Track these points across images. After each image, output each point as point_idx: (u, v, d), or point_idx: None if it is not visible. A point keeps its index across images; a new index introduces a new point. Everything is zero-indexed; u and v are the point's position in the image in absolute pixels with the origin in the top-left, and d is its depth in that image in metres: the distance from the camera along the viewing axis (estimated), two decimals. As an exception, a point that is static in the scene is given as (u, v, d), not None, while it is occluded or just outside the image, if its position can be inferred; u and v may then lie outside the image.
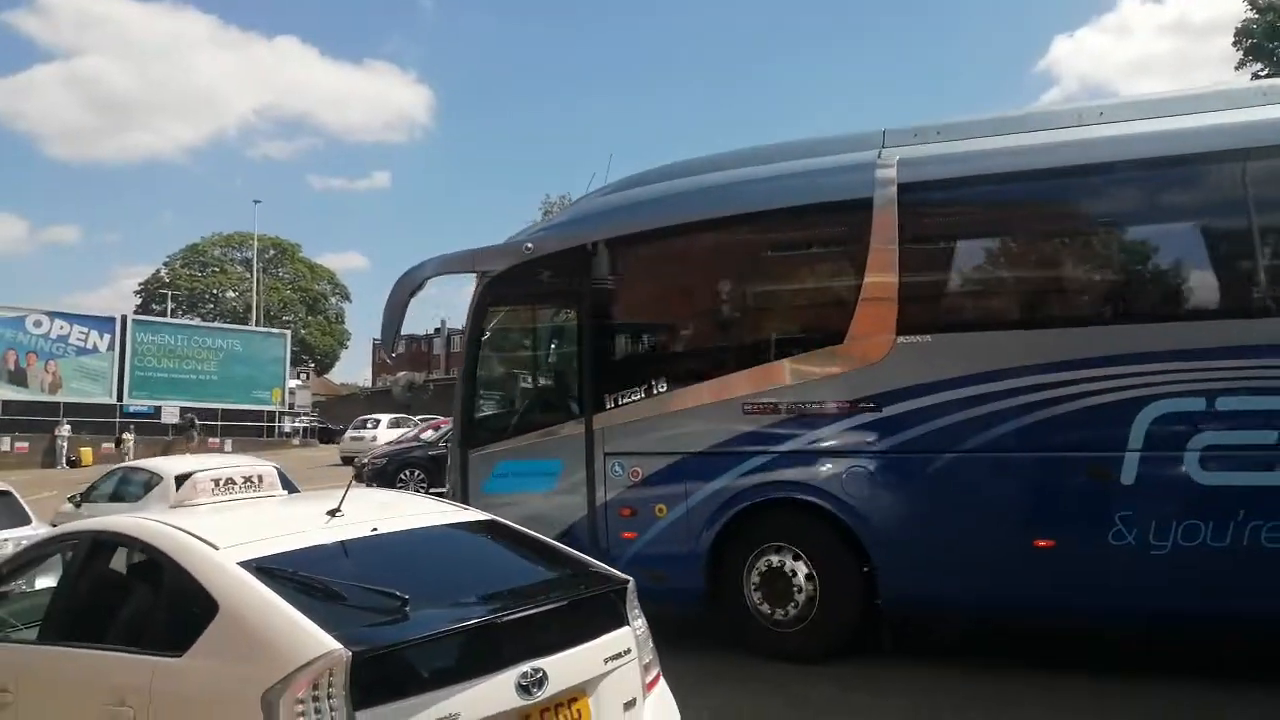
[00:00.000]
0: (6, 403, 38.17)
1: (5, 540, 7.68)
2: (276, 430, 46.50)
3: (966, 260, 7.27)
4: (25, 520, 8.20)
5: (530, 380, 9.02)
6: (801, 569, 6.87)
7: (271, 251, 65.54)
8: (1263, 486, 5.79)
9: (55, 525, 7.94)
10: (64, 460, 35.67)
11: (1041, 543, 6.15)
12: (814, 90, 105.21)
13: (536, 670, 3.21)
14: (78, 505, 8.98)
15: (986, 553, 6.34)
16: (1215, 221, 6.55)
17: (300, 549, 3.55)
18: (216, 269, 66.09)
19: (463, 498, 7.87)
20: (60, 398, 39.94)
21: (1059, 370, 6.22)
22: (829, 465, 6.89)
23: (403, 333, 9.24)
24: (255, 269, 59.47)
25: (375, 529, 3.81)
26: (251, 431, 44.39)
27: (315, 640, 2.91)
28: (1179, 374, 5.97)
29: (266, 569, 3.31)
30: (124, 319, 43.91)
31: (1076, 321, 6.54)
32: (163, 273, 65.82)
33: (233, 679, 3.01)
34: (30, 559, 4.64)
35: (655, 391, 7.46)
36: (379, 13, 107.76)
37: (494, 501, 7.25)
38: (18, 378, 39.72)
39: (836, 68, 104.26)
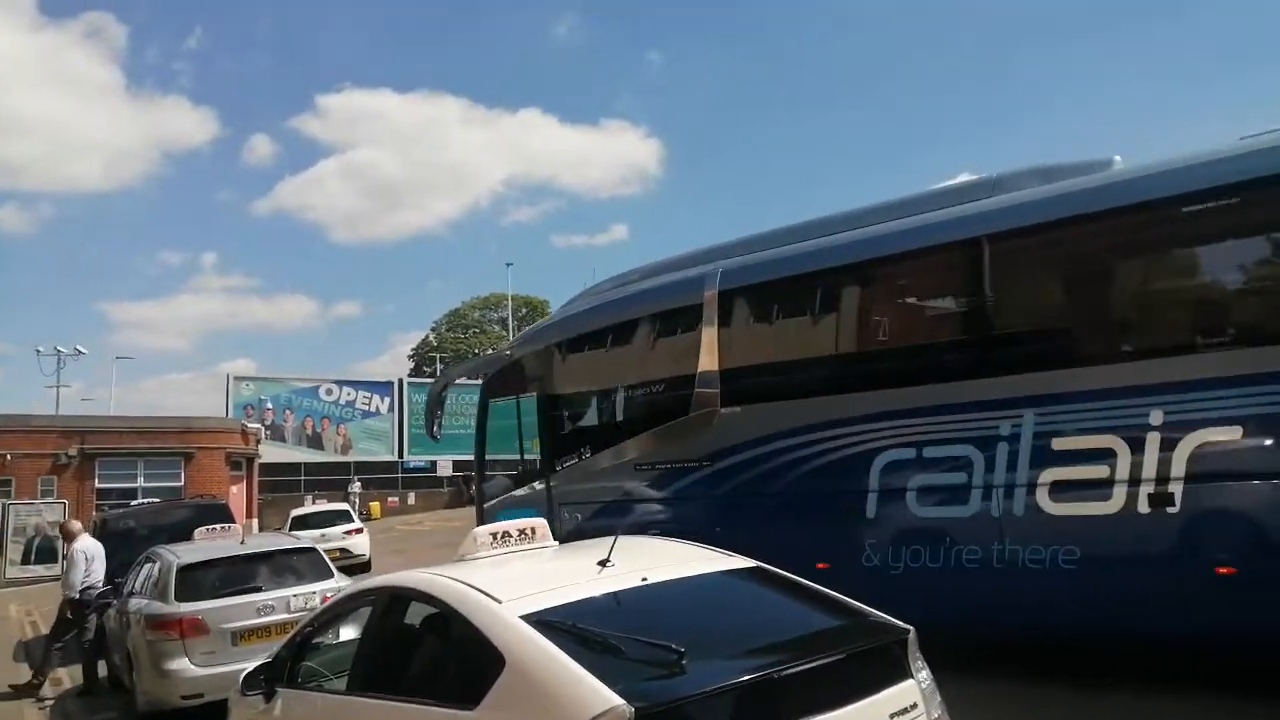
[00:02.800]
0: (306, 464, 42.56)
1: (313, 593, 8.40)
2: (538, 478, 48.81)
3: (763, 346, 9.13)
4: (329, 575, 8.93)
5: (516, 452, 11.58)
6: None
7: (524, 310, 69.19)
8: (959, 517, 7.18)
9: None
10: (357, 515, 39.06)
11: (820, 565, 6.73)
12: (1090, 82, 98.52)
13: (820, 727, 3.07)
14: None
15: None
16: (929, 306, 8.34)
17: (576, 601, 3.60)
18: (476, 330, 70.58)
19: None
20: (350, 457, 44.09)
21: (823, 429, 8.03)
22: (684, 508, 8.94)
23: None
24: (510, 327, 63.05)
25: (645, 579, 3.81)
26: (516, 481, 46.83)
27: (599, 696, 2.92)
28: (903, 429, 7.57)
29: (547, 622, 3.38)
30: (400, 382, 47.94)
31: (836, 390, 8.15)
32: (430, 337, 71.12)
33: None
34: (339, 612, 5.01)
35: (583, 458, 10.11)
36: (611, 74, 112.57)
37: None
38: (314, 441, 44.25)
39: (1113, 60, 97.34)
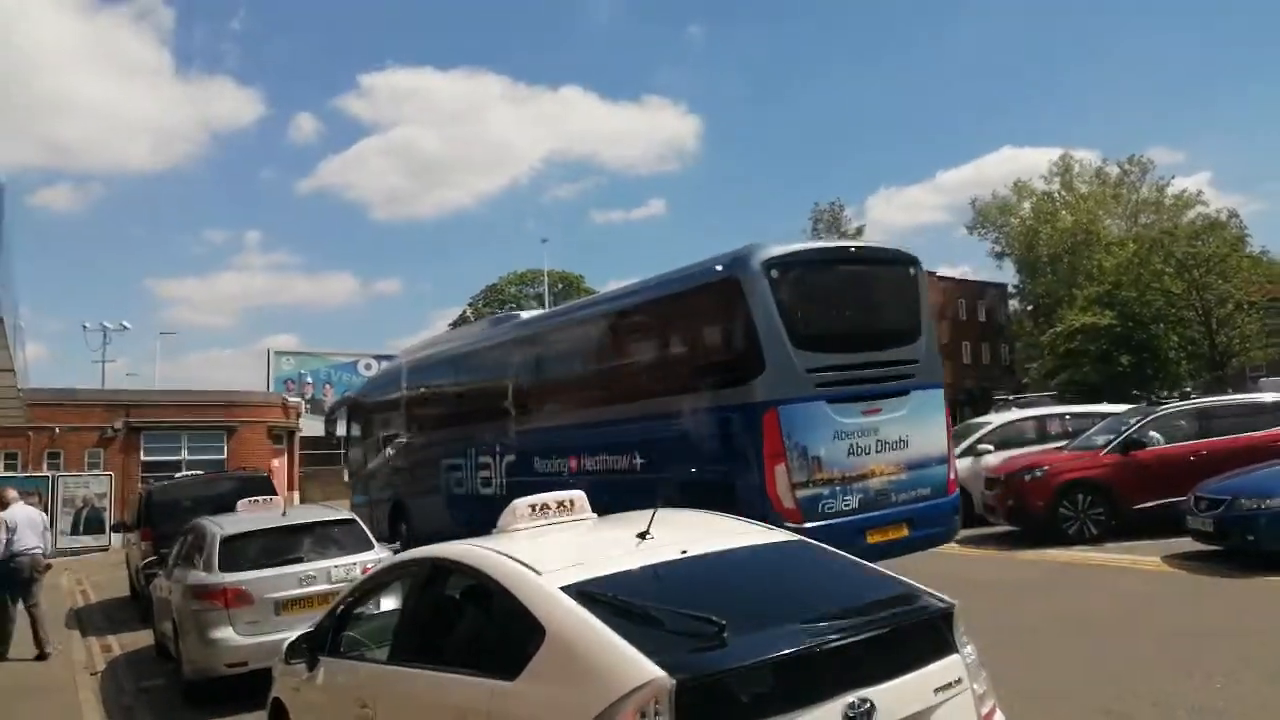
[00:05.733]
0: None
1: (354, 564, 8.47)
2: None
3: (418, 405, 15.98)
4: (369, 545, 9.00)
5: (358, 458, 18.41)
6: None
7: (560, 285, 69.28)
8: (459, 493, 13.95)
9: None
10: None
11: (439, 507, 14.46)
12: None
13: (864, 701, 3.03)
14: None
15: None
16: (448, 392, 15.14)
17: (615, 573, 3.58)
18: (513, 305, 70.73)
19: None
20: (389, 432, 44.46)
21: (427, 447, 15.24)
22: (402, 487, 16.07)
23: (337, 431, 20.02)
24: (546, 302, 63.13)
25: (685, 551, 3.78)
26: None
27: (639, 668, 2.90)
28: (444, 450, 14.58)
29: (587, 593, 3.36)
30: (437, 357, 48.09)
31: (436, 428, 15.19)
32: (467, 312, 71.28)
33: (563, 704, 3.07)
34: (380, 583, 5.04)
35: (373, 458, 17.35)
36: (651, 50, 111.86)
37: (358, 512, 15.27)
38: (354, 416, 44.63)
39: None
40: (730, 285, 8.96)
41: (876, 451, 8.95)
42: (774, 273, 8.84)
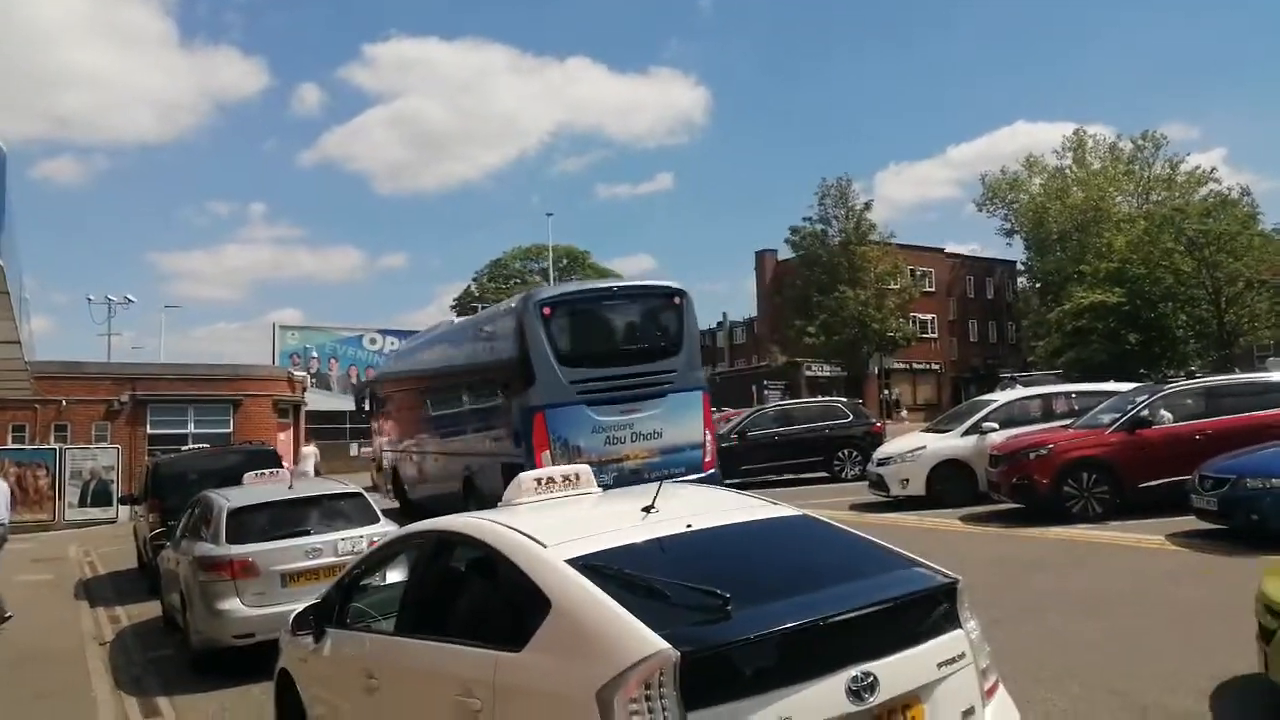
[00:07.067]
0: (351, 412, 43.03)
1: (360, 537, 8.52)
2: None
3: (404, 390, 19.19)
4: (375, 519, 9.03)
5: (375, 431, 22.17)
6: None
7: (565, 260, 69.16)
8: (424, 464, 17.68)
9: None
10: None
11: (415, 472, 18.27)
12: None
13: (867, 674, 3.05)
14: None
15: (412, 477, 18.25)
16: (421, 389, 17.94)
17: (621, 546, 3.59)
18: (518, 280, 70.58)
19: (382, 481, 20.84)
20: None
21: (405, 426, 18.99)
22: (393, 458, 19.69)
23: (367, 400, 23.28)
24: (551, 278, 63.07)
25: (690, 525, 3.79)
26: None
27: (644, 640, 2.92)
28: (414, 428, 18.26)
29: (592, 566, 3.38)
30: (442, 332, 48.08)
31: (421, 409, 17.49)
32: (472, 287, 71.35)
33: (568, 675, 3.09)
34: (386, 555, 5.06)
35: (380, 435, 21.39)
36: (660, 20, 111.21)
37: (379, 475, 21.47)
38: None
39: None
40: (515, 319, 12.16)
41: (632, 441, 11.75)
42: (545, 310, 11.77)
